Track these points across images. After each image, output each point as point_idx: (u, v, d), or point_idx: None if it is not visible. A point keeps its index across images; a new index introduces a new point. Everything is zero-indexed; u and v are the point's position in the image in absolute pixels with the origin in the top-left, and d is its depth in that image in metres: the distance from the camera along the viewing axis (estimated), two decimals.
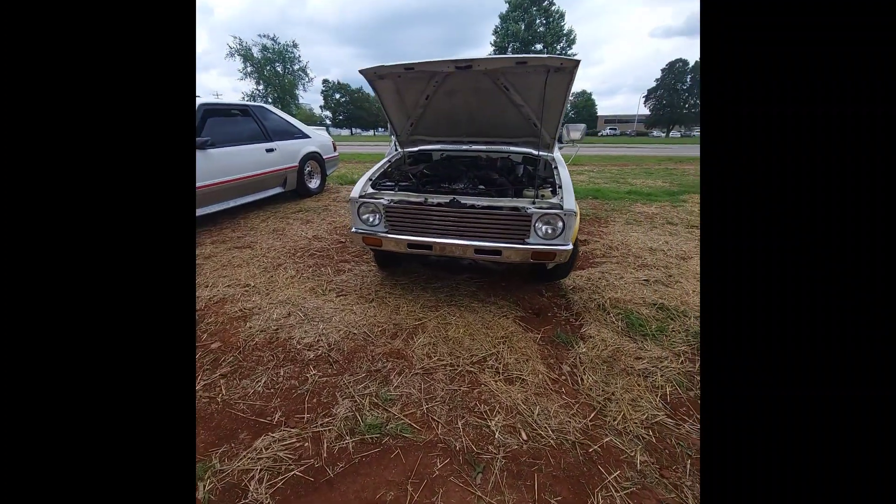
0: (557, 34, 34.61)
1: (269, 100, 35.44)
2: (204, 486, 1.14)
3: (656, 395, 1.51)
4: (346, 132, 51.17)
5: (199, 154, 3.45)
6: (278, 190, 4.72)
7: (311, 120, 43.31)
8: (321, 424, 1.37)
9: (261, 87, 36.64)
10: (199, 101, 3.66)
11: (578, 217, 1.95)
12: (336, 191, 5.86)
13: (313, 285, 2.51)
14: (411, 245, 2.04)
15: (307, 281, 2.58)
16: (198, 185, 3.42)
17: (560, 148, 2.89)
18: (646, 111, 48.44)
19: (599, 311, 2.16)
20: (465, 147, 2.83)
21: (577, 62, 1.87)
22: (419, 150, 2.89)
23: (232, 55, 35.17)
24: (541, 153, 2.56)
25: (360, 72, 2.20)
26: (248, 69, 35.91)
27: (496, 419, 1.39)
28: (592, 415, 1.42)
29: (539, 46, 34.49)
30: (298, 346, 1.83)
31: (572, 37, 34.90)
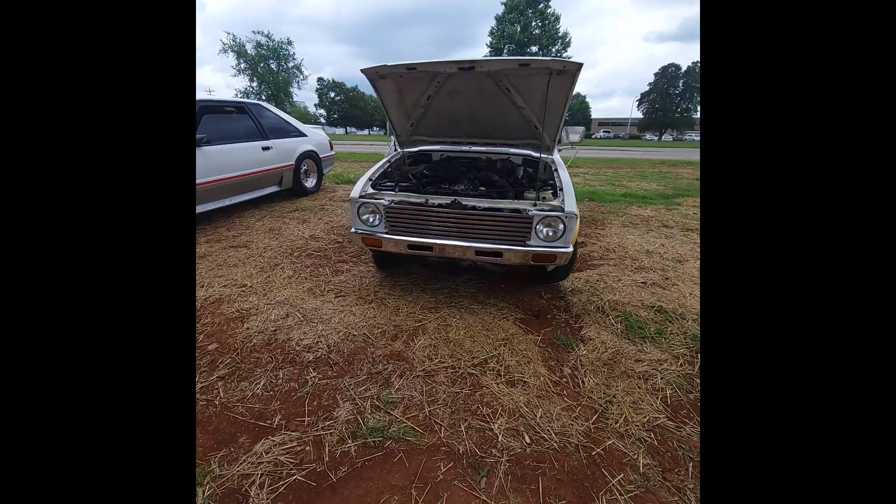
0: (553, 37, 34.83)
1: (263, 97, 35.09)
2: (203, 492, 1.11)
3: (657, 398, 1.52)
4: (340, 131, 50.87)
5: None
6: (274, 189, 4.66)
7: (306, 118, 42.95)
8: (322, 428, 1.35)
9: (255, 85, 36.25)
10: None
11: (578, 219, 1.95)
12: (332, 190, 5.82)
13: (311, 286, 2.48)
14: (411, 246, 2.03)
15: (305, 281, 2.56)
16: None
17: (559, 150, 2.90)
18: (639, 115, 49.01)
19: (598, 313, 2.17)
20: (465, 148, 2.83)
21: (580, 65, 1.88)
22: (419, 151, 2.88)
23: (225, 51, 34.73)
24: (542, 155, 2.57)
25: (362, 71, 2.18)
26: (242, 66, 35.52)
27: (499, 422, 1.38)
28: (594, 417, 1.42)
29: (534, 49, 34.69)
30: (297, 348, 1.81)
31: (567, 39, 35.18)
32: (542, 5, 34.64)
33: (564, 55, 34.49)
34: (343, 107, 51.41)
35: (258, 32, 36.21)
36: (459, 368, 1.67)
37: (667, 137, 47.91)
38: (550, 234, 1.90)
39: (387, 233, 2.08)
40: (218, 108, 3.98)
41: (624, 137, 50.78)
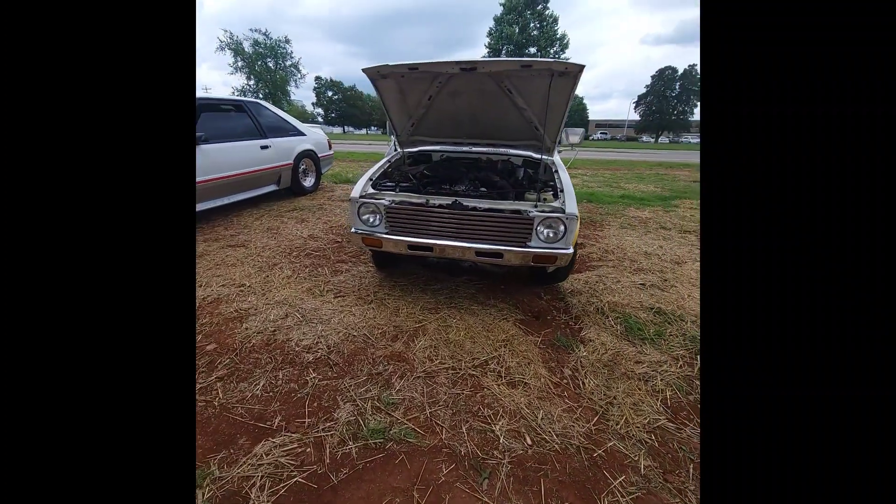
0: (551, 38, 34.90)
1: (261, 95, 34.88)
2: (203, 494, 1.10)
3: (657, 400, 1.52)
4: (338, 130, 50.66)
5: None
6: (272, 188, 4.64)
7: (304, 117, 42.82)
8: (323, 429, 1.34)
9: (252, 83, 36.03)
10: None
11: (578, 221, 1.96)
12: (331, 189, 5.79)
13: (310, 286, 2.47)
14: (412, 246, 2.02)
15: (304, 281, 2.54)
16: None
17: (559, 152, 2.90)
18: (636, 117, 49.22)
19: (598, 314, 2.17)
20: (465, 149, 2.83)
21: (582, 67, 1.88)
22: (419, 151, 2.88)
23: (222, 49, 34.46)
24: (542, 156, 2.57)
25: (364, 70, 2.17)
26: (239, 64, 35.28)
27: (500, 423, 1.38)
28: (595, 419, 1.42)
29: (533, 50, 34.76)
30: (297, 349, 1.80)
31: (565, 41, 35.27)
32: (540, 6, 34.69)
33: (562, 56, 34.56)
34: (341, 106, 51.25)
35: (256, 30, 36.04)
36: (460, 369, 1.67)
37: (663, 139, 48.15)
38: (551, 235, 1.90)
39: (387, 233, 2.08)
40: (216, 106, 3.96)
41: (620, 139, 50.97)
